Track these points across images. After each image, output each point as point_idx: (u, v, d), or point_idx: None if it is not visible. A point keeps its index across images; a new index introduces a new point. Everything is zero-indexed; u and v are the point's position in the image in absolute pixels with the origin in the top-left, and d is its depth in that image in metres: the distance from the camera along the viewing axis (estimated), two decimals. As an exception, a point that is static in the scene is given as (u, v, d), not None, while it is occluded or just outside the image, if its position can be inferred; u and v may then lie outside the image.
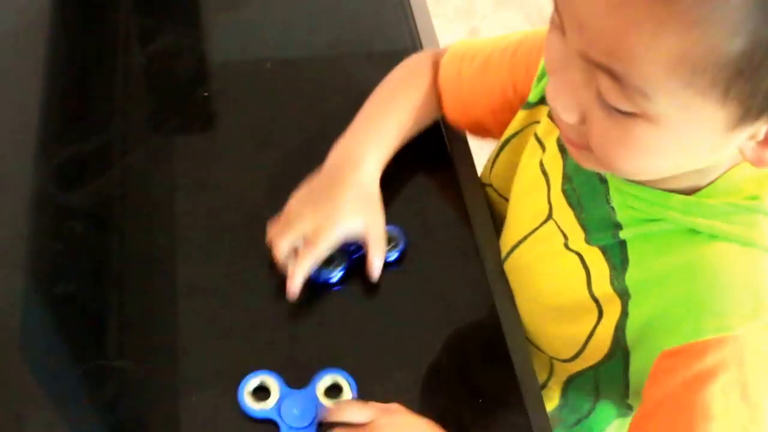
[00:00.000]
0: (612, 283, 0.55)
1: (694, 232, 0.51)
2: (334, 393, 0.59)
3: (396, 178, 0.68)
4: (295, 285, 0.61)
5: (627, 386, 0.60)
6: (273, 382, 0.59)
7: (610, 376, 0.60)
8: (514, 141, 0.68)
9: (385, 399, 0.58)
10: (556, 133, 0.62)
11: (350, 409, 0.57)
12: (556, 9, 0.45)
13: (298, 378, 0.59)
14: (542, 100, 0.63)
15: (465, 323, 0.64)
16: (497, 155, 0.71)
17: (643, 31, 0.39)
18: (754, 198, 0.50)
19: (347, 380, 0.59)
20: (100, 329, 0.63)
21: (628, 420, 0.63)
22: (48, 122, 0.75)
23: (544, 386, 0.69)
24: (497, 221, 0.70)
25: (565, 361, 0.64)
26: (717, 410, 0.48)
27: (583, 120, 0.47)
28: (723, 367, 0.48)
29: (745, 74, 0.39)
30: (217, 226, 0.68)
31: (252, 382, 0.58)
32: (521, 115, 0.66)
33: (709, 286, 0.50)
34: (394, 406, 0.57)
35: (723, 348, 0.48)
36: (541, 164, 0.62)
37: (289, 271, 0.61)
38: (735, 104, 0.41)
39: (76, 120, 0.75)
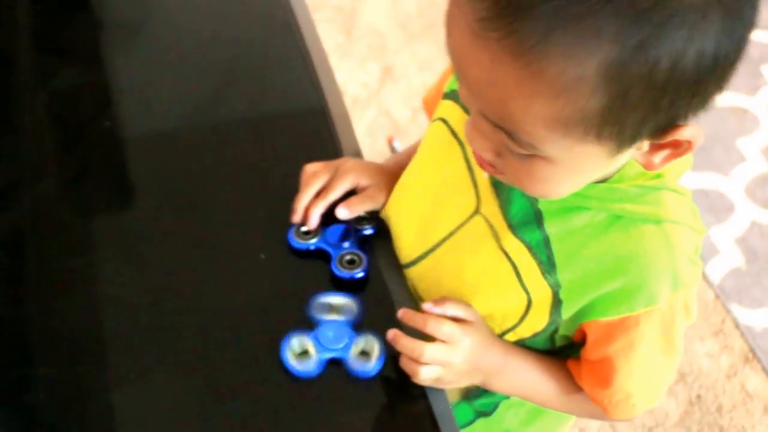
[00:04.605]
0: (545, 277, 0.61)
1: (616, 217, 0.58)
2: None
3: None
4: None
5: (554, 343, 0.68)
6: (305, 340, 0.65)
7: (539, 341, 0.67)
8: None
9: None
10: None
11: (434, 323, 0.62)
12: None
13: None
14: (450, 94, 0.69)
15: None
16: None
17: (518, 102, 0.46)
18: (657, 177, 0.58)
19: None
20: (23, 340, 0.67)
21: None
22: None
23: None
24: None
25: None
26: (643, 351, 0.62)
27: (497, 156, 0.53)
28: (651, 329, 0.60)
29: (610, 121, 0.45)
30: (131, 239, 0.73)
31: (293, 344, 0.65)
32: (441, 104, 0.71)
33: (639, 274, 0.58)
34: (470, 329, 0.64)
35: (652, 316, 0.60)
36: (467, 160, 0.66)
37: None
38: (609, 141, 0.47)
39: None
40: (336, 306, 0.67)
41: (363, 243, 0.72)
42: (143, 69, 0.87)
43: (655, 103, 0.45)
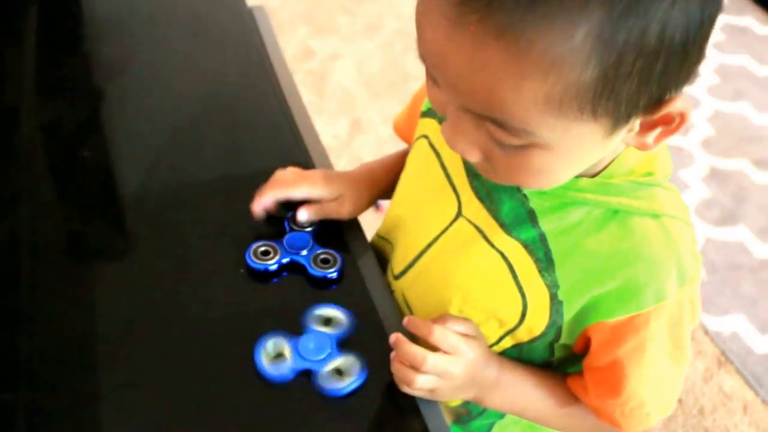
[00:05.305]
0: (542, 275, 0.58)
1: (613, 212, 0.56)
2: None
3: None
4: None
5: (552, 353, 0.64)
6: (283, 343, 0.63)
7: (537, 348, 0.64)
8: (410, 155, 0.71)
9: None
10: None
11: (439, 333, 0.59)
12: (428, 68, 0.48)
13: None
14: (427, 112, 0.68)
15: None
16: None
17: (507, 85, 0.43)
18: (648, 174, 0.57)
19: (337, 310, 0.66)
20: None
21: None
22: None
23: None
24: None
25: (491, 345, 0.66)
26: (654, 352, 0.58)
27: (485, 156, 0.50)
28: (661, 328, 0.57)
29: (605, 94, 0.43)
30: (113, 260, 0.74)
31: (267, 346, 0.62)
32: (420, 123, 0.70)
33: (644, 269, 0.55)
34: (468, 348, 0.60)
35: (661, 312, 0.56)
36: (443, 167, 0.64)
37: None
38: (605, 118, 0.45)
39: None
40: (327, 318, 0.65)
41: (327, 243, 0.71)
42: (131, 113, 0.90)
43: (647, 71, 0.43)
